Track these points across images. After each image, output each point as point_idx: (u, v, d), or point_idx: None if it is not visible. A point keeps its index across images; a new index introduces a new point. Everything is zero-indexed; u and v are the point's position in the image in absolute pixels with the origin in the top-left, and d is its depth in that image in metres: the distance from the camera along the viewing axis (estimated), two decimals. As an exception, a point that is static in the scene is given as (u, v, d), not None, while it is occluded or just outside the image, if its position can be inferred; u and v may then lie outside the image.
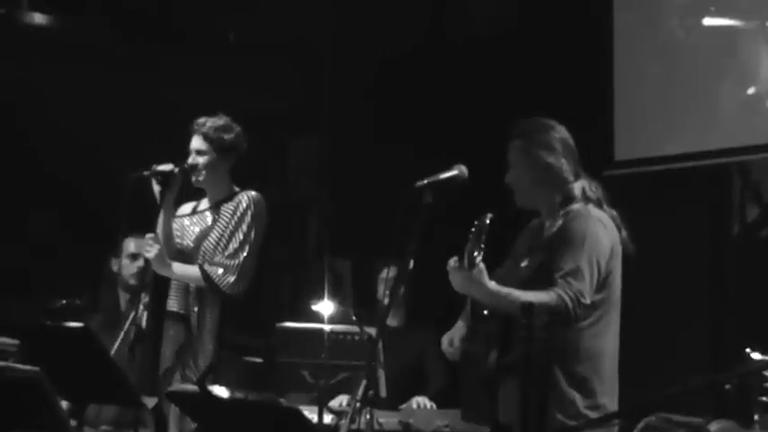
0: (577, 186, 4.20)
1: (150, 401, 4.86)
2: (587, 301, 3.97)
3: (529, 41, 7.32)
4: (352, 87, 7.72)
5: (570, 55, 7.06)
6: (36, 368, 4.43)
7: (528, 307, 3.83)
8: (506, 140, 4.28)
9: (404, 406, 5.89)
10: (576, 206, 4.16)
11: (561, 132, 4.23)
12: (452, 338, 4.20)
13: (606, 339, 4.09)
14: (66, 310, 5.97)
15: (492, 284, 3.92)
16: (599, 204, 4.20)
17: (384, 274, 6.49)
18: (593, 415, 3.98)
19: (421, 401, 6.01)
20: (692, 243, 6.57)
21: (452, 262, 3.94)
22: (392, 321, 6.34)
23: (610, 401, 4.07)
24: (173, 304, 5.18)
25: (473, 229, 3.86)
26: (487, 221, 3.85)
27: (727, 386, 4.90)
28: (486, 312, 4.02)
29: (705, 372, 5.99)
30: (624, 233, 4.19)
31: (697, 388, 3.86)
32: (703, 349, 6.37)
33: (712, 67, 6.63)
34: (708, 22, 6.73)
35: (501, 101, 7.37)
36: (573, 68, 7.01)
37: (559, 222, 4.15)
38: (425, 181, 3.98)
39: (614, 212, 4.21)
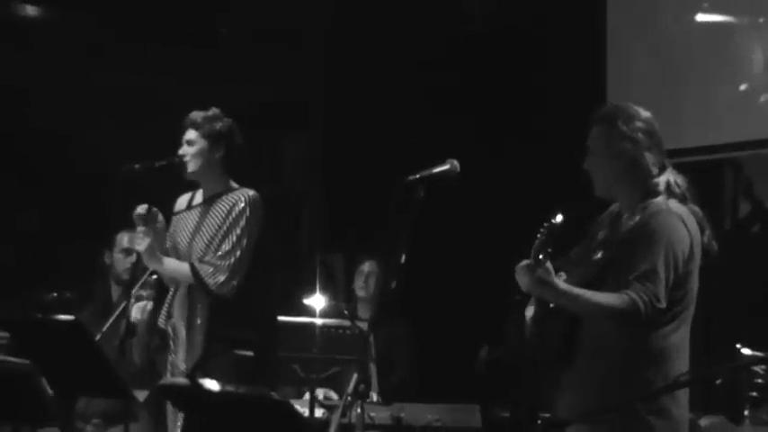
0: (662, 180, 3.94)
1: (141, 394, 4.86)
2: (663, 305, 3.77)
3: (522, 39, 7.32)
4: (346, 82, 7.71)
5: (563, 52, 7.06)
6: (27, 361, 4.44)
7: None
8: (588, 125, 4.03)
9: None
10: (656, 200, 3.89)
11: (647, 121, 3.99)
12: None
13: (676, 341, 3.90)
14: (56, 303, 5.97)
15: (562, 285, 3.76)
16: (683, 200, 3.93)
17: (366, 267, 6.54)
18: (655, 420, 3.79)
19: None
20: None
21: (522, 263, 3.77)
22: (364, 313, 6.39)
23: (675, 405, 3.85)
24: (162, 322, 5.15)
25: (542, 230, 3.71)
26: (559, 223, 3.69)
27: (718, 382, 4.90)
28: (552, 305, 3.86)
29: (695, 367, 5.98)
30: (708, 233, 3.93)
31: (687, 383, 3.85)
32: (694, 345, 6.35)
33: (705, 63, 6.63)
34: (701, 18, 6.74)
35: (494, 97, 7.38)
36: (566, 66, 7.01)
37: (637, 217, 3.89)
38: (417, 175, 3.92)
39: (698, 210, 3.94)
